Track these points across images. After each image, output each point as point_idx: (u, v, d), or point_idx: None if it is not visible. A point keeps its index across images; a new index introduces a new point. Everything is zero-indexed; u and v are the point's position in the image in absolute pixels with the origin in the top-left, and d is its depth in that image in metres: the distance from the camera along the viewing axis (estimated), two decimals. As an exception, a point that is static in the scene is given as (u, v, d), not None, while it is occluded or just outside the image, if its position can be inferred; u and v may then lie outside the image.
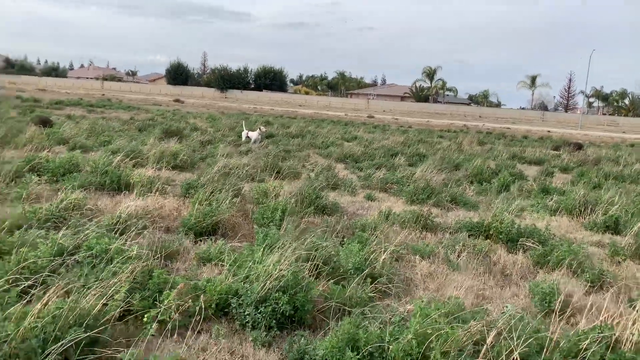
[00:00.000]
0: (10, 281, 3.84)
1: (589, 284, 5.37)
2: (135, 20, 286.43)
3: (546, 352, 3.26)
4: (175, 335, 3.72)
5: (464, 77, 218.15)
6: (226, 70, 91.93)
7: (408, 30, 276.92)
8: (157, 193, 7.53)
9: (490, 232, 6.73)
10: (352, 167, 13.23)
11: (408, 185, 9.55)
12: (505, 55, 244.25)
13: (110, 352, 3.22)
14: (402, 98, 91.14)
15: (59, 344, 2.99)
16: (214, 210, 6.24)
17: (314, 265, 4.76)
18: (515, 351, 3.09)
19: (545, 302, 4.59)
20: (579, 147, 23.18)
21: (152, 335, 3.56)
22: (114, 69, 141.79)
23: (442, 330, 3.21)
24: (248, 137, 17.21)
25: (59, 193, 6.86)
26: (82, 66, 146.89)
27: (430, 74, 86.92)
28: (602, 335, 3.48)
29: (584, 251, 5.94)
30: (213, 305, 4.04)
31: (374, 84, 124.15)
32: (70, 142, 11.98)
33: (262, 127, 17.31)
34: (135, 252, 4.41)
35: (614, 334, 3.50)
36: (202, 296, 4.04)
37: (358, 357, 3.34)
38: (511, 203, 8.78)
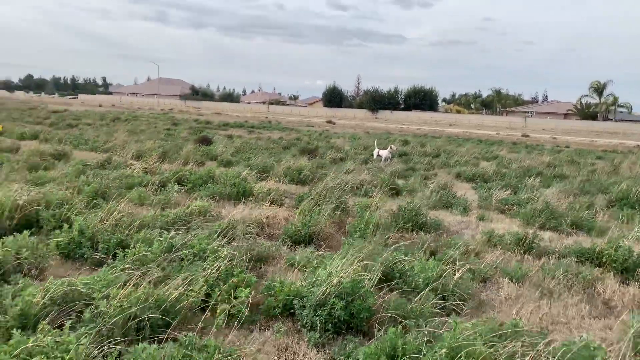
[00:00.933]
0: (124, 270, 4.72)
1: None
2: (298, 47, 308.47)
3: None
4: (243, 329, 4.22)
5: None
6: (377, 92, 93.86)
7: (571, 42, 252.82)
8: (272, 203, 8.33)
9: (603, 260, 6.10)
10: (480, 187, 12.76)
11: (526, 207, 8.98)
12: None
13: (177, 334, 3.82)
14: (565, 116, 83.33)
15: (136, 320, 3.68)
16: (311, 221, 6.73)
17: (384, 276, 4.94)
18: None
19: None
20: None
21: (222, 326, 4.11)
22: (279, 93, 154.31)
23: (475, 346, 3.19)
24: (379, 155, 17.61)
25: (192, 200, 8.01)
26: (252, 92, 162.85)
27: (599, 89, 77.94)
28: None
29: None
30: (280, 305, 4.47)
31: (533, 101, 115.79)
32: (219, 158, 13.62)
33: (392, 146, 17.56)
34: (225, 253, 5.04)
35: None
36: (273, 296, 4.52)
37: (393, 365, 3.46)
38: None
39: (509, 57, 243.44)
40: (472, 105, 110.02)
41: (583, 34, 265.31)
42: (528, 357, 3.12)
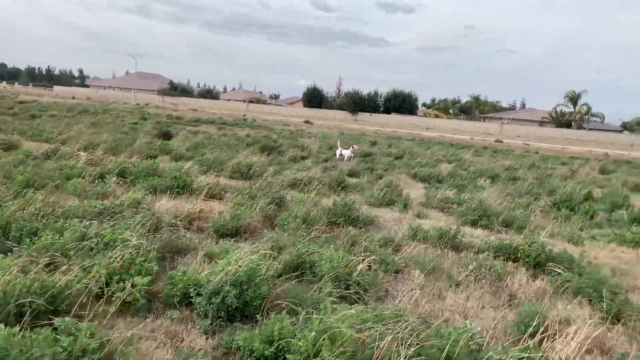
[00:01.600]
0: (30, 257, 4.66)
1: (603, 315, 4.83)
2: (283, 47, 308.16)
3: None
4: (138, 317, 4.22)
5: (617, 100, 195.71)
6: (357, 94, 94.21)
7: (552, 52, 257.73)
8: (212, 197, 8.33)
9: (518, 255, 6.26)
10: (431, 186, 12.93)
11: (462, 205, 9.14)
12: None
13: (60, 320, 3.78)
14: (541, 123, 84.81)
15: (14, 304, 3.65)
16: (241, 215, 6.74)
17: (295, 266, 5.00)
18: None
19: (523, 325, 4.26)
20: None
21: (115, 313, 4.10)
22: (260, 92, 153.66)
23: (337, 330, 3.25)
24: (342, 154, 17.70)
25: (126, 192, 7.94)
26: (233, 89, 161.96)
27: (574, 99, 79.56)
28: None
29: (614, 281, 5.29)
30: (179, 294, 4.48)
31: (511, 108, 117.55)
32: (173, 153, 13.53)
33: (355, 146, 17.69)
34: (134, 243, 5.02)
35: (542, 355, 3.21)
36: (176, 285, 4.52)
37: (269, 349, 3.51)
38: (575, 229, 7.98)
39: (491, 64, 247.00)
40: (451, 111, 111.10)
41: (565, 43, 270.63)
42: (388, 337, 3.18)
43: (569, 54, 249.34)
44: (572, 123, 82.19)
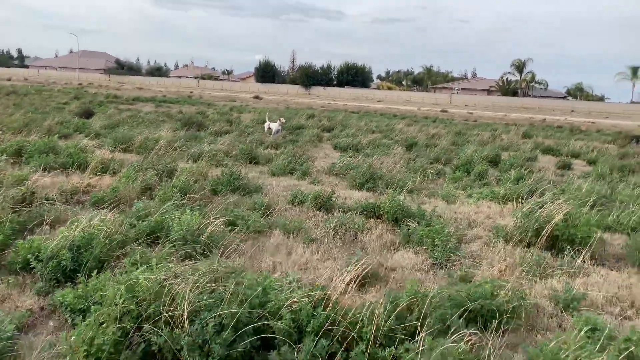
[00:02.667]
0: None
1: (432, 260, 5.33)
2: (238, 21, 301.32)
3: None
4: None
5: (561, 70, 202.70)
6: (310, 68, 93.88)
7: (504, 21, 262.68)
8: (105, 172, 8.41)
9: (381, 212, 6.71)
10: (343, 155, 13.33)
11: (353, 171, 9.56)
12: (606, 47, 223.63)
13: None
14: (489, 92, 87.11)
15: None
16: (119, 187, 6.90)
17: (152, 230, 5.26)
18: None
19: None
20: (637, 139, 21.01)
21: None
22: (213, 68, 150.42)
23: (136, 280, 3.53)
24: (269, 128, 17.86)
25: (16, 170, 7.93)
26: (185, 66, 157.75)
27: (520, 67, 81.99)
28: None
29: (453, 232, 5.80)
30: (21, 260, 4.64)
31: (463, 78, 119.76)
32: (86, 131, 13.37)
33: (281, 119, 17.84)
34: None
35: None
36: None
37: (84, 303, 3.76)
38: (457, 189, 8.53)
39: (445, 35, 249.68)
40: (404, 82, 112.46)
41: (515, 15, 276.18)
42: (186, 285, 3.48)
43: (520, 24, 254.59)
44: (518, 91, 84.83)
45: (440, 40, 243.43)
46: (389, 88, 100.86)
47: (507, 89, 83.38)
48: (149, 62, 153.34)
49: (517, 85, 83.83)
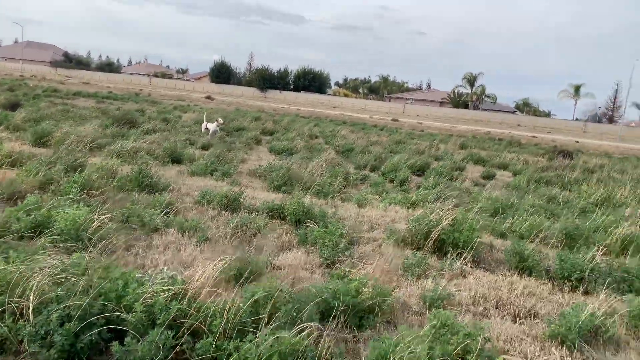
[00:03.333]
0: None
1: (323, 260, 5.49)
2: (194, 19, 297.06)
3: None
4: None
5: (511, 84, 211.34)
6: (266, 71, 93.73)
7: (459, 36, 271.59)
8: (12, 166, 8.15)
9: (285, 214, 6.83)
10: (281, 158, 13.44)
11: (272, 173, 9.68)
12: (556, 63, 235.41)
13: None
14: (441, 104, 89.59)
15: None
16: (16, 180, 6.71)
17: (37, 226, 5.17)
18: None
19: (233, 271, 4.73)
20: (569, 155, 22.18)
21: None
22: (167, 66, 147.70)
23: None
24: (207, 128, 17.74)
25: None
26: (138, 63, 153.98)
27: (471, 80, 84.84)
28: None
29: (347, 233, 6.00)
30: None
31: (418, 89, 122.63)
32: (5, 124, 12.88)
33: (219, 119, 17.78)
34: None
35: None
36: None
37: None
38: (371, 193, 8.78)
39: (402, 45, 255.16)
40: (360, 90, 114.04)
41: (472, 28, 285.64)
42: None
43: (474, 39, 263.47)
44: (469, 104, 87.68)
45: (398, 51, 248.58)
46: (346, 95, 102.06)
47: (458, 102, 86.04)
48: (100, 57, 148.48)
49: (468, 98, 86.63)
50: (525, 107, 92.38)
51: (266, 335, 3.27)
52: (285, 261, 5.51)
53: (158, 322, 3.46)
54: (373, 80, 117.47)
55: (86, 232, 5.10)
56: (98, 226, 5.22)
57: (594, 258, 5.61)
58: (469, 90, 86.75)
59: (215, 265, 3.92)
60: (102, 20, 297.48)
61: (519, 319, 4.68)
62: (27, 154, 8.69)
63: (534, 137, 45.65)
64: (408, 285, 5.16)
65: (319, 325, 3.57)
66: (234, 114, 29.91)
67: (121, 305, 3.58)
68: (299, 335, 3.31)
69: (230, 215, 6.91)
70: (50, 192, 6.69)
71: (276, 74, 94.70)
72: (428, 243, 6.16)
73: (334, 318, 4.12)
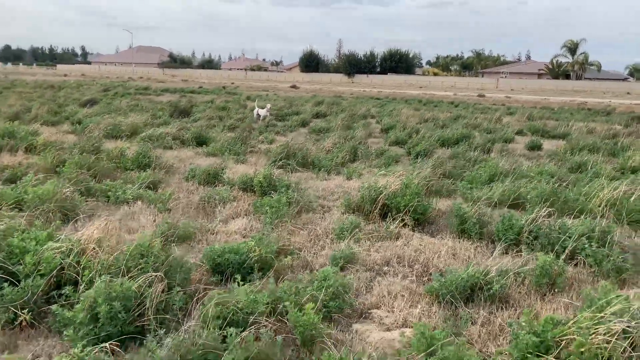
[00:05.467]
0: None
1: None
2: (288, 11, 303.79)
3: None
4: None
5: (624, 50, 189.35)
6: (353, 56, 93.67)
7: (564, 2, 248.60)
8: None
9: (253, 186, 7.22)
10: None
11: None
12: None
13: None
14: (539, 75, 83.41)
15: None
16: (31, 164, 7.83)
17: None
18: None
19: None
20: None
21: None
22: (264, 59, 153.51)
23: None
24: (258, 114, 18.54)
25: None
26: (236, 58, 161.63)
27: (573, 48, 77.78)
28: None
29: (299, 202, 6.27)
30: None
31: (516, 61, 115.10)
32: (71, 118, 14.60)
33: (269, 105, 18.46)
34: None
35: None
36: None
37: None
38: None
39: (500, 17, 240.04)
40: (452, 67, 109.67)
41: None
42: None
43: (577, 5, 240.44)
44: (571, 73, 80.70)
45: (496, 23, 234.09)
46: (435, 74, 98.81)
47: (557, 72, 79.50)
48: (203, 54, 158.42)
49: (569, 67, 79.69)
50: (634, 73, 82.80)
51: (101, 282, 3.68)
52: (227, 228, 5.91)
53: (41, 272, 4.05)
54: (466, 56, 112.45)
55: (50, 204, 5.90)
56: (63, 198, 6.00)
57: (535, 220, 5.32)
58: (570, 59, 79.72)
59: (98, 227, 4.40)
60: (204, 20, 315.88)
61: (419, 278, 4.66)
62: (59, 141, 9.93)
63: (636, 104, 41.10)
64: (329, 247, 5.31)
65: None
66: (301, 100, 30.55)
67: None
68: (135, 281, 3.68)
69: (208, 188, 7.45)
70: (56, 173, 7.70)
71: (363, 58, 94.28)
72: (375, 209, 6.20)
73: (221, 274, 4.47)
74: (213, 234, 5.68)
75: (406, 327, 3.82)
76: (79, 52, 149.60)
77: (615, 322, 3.11)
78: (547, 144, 14.45)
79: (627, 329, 3.10)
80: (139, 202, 6.59)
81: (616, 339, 2.98)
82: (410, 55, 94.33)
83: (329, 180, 8.57)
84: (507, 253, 5.19)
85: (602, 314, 3.24)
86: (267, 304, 3.64)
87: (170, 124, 13.69)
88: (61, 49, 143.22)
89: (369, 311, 4.09)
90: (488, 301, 4.10)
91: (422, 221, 6.08)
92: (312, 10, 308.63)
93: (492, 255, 5.11)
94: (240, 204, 6.79)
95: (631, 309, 3.22)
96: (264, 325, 3.42)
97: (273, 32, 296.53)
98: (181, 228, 5.39)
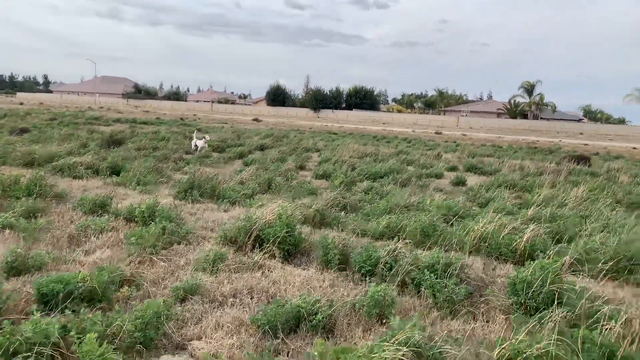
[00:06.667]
0: None
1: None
2: (258, 46, 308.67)
3: None
4: None
5: (580, 91, 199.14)
6: (319, 91, 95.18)
7: (524, 43, 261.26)
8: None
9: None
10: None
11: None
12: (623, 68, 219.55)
13: None
14: (498, 115, 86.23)
15: None
16: None
17: None
18: None
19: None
20: (584, 160, 20.67)
21: None
22: (232, 92, 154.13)
23: None
24: (196, 145, 18.46)
25: None
26: (203, 90, 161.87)
27: (529, 89, 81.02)
28: None
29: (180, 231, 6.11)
30: None
31: (478, 100, 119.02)
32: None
33: (207, 136, 18.45)
34: None
35: None
36: None
37: None
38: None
39: (463, 58, 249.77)
40: (416, 105, 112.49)
41: (534, 37, 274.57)
42: None
43: (538, 47, 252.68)
44: (528, 113, 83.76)
45: (459, 64, 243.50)
46: (399, 111, 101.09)
47: (515, 112, 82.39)
48: (171, 86, 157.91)
49: (526, 107, 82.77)
50: (587, 114, 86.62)
51: None
52: (90, 258, 5.72)
53: None
54: (429, 95, 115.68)
55: None
56: None
57: (394, 250, 5.34)
58: (527, 99, 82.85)
59: None
60: (173, 52, 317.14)
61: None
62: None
63: (585, 145, 42.87)
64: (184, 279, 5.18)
65: None
66: (252, 132, 30.63)
67: None
68: None
69: (95, 218, 7.25)
70: None
71: (329, 93, 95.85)
72: (249, 240, 6.13)
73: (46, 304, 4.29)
74: (66, 263, 5.48)
75: (216, 357, 3.70)
76: (41, 80, 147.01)
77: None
78: (474, 179, 14.77)
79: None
80: (7, 231, 6.34)
81: None
82: (375, 93, 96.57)
83: (230, 211, 8.48)
84: (360, 283, 5.18)
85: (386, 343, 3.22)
86: (63, 335, 3.49)
87: (87, 153, 13.42)
88: (22, 77, 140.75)
89: (190, 342, 3.96)
90: (311, 331, 4.04)
91: (293, 252, 6.03)
92: (282, 46, 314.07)
93: (352, 285, 5.10)
94: (118, 234, 6.62)
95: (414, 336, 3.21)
96: (50, 355, 3.27)
97: (243, 66, 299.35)
98: (32, 258, 5.20)
